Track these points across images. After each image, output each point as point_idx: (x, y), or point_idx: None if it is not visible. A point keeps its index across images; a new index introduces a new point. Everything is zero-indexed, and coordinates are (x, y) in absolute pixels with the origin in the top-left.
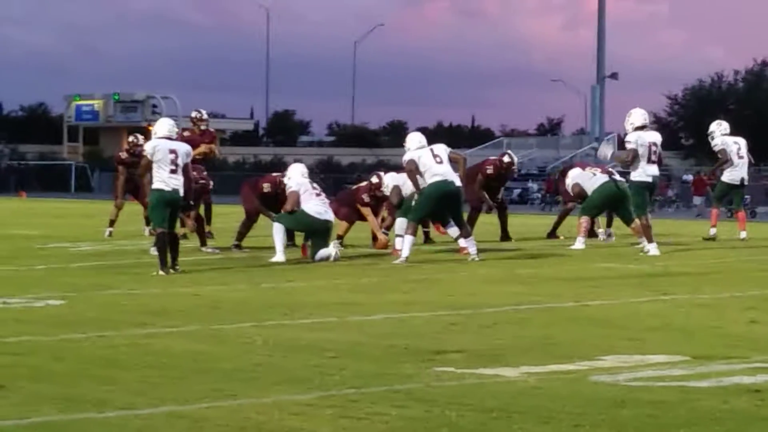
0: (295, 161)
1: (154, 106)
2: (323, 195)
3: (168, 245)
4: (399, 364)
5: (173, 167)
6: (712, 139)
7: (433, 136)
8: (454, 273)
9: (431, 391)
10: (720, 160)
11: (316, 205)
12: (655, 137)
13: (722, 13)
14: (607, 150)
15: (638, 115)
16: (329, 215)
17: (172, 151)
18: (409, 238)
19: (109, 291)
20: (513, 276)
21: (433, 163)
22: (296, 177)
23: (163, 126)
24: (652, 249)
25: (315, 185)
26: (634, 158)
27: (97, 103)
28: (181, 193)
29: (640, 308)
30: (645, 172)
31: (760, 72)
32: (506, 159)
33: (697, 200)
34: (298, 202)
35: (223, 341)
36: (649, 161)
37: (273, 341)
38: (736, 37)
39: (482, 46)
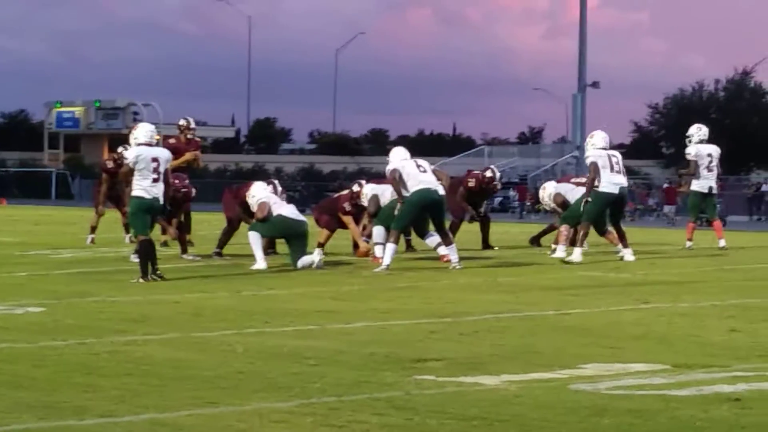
0: (276, 169)
1: (135, 113)
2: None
3: (152, 252)
4: (380, 372)
5: (155, 176)
6: (689, 143)
7: (415, 144)
8: (435, 281)
9: (412, 399)
10: (688, 170)
11: (289, 208)
12: (614, 152)
13: (703, 23)
14: None
15: (600, 138)
16: (303, 218)
17: (155, 159)
18: (391, 246)
19: (89, 298)
20: (494, 284)
21: (417, 172)
22: (260, 192)
23: (143, 132)
24: (576, 254)
25: (281, 197)
26: (595, 170)
27: (77, 110)
28: (162, 200)
29: (620, 317)
30: (611, 182)
31: (741, 81)
32: (488, 174)
33: (667, 208)
34: (269, 211)
35: (204, 349)
36: (612, 170)
37: (254, 349)
38: (717, 46)
39: (464, 54)
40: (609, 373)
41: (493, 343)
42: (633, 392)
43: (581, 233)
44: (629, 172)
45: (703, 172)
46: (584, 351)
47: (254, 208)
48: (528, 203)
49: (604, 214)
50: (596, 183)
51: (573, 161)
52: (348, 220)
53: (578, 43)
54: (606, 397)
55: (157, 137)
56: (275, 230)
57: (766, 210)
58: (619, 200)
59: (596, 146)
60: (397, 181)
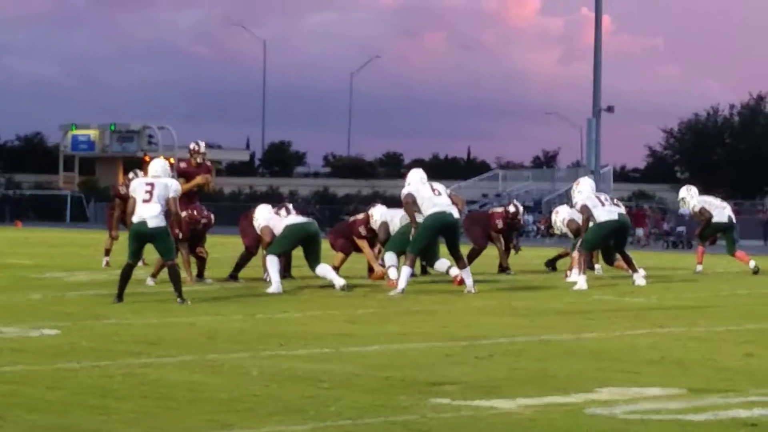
0: (290, 192)
1: (150, 136)
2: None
3: (128, 278)
4: (395, 396)
5: (146, 197)
6: (685, 204)
7: (429, 168)
8: (450, 304)
9: (427, 423)
10: (704, 220)
11: (293, 218)
12: (600, 193)
13: (718, 48)
14: None
15: (586, 185)
16: (308, 220)
17: (149, 184)
18: (406, 270)
19: (104, 321)
20: (509, 308)
21: (432, 195)
22: (262, 216)
23: (153, 167)
24: (581, 282)
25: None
26: (586, 211)
27: (93, 133)
28: (151, 224)
29: (636, 341)
30: (608, 213)
31: (756, 106)
32: (512, 209)
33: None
34: (273, 233)
35: (219, 371)
36: (604, 205)
37: (269, 372)
38: (732, 71)
39: (479, 78)
40: (625, 398)
41: (508, 366)
42: (649, 417)
43: (582, 261)
44: (644, 196)
45: (716, 206)
46: (600, 375)
47: (259, 232)
48: (542, 227)
49: (609, 244)
50: (591, 221)
51: None
52: (363, 244)
53: (593, 68)
54: (622, 421)
55: (171, 161)
56: (289, 242)
57: None
58: (620, 228)
59: (582, 194)
60: (411, 205)
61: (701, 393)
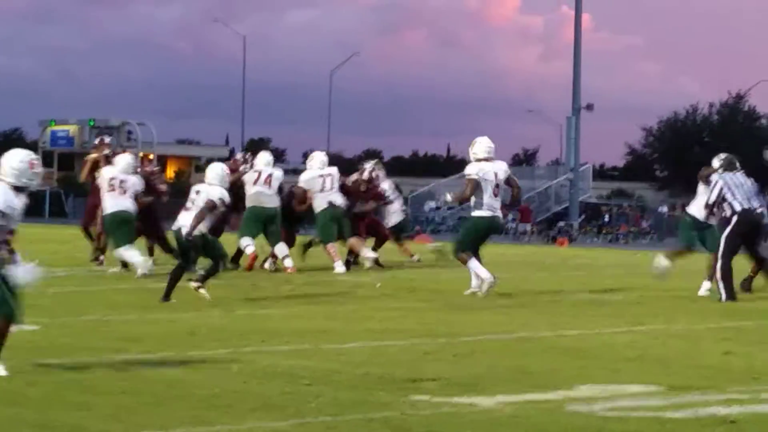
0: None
1: (129, 132)
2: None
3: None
4: (375, 393)
5: (119, 191)
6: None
7: (409, 165)
8: (429, 302)
9: (407, 420)
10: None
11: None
12: (500, 167)
13: (697, 46)
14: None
15: (481, 146)
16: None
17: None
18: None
19: (84, 317)
20: (489, 305)
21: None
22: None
23: (120, 162)
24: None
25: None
26: (473, 190)
27: (72, 129)
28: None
29: (615, 338)
30: (489, 207)
31: (735, 105)
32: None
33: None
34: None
35: (199, 368)
36: (495, 195)
37: (249, 368)
38: (712, 70)
39: (459, 75)
40: (604, 395)
41: (487, 364)
42: (628, 414)
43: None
44: (622, 194)
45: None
46: (579, 372)
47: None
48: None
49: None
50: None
51: (567, 183)
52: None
53: (573, 66)
54: (601, 418)
55: (150, 157)
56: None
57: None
58: (492, 228)
59: (477, 156)
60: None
61: (680, 390)
